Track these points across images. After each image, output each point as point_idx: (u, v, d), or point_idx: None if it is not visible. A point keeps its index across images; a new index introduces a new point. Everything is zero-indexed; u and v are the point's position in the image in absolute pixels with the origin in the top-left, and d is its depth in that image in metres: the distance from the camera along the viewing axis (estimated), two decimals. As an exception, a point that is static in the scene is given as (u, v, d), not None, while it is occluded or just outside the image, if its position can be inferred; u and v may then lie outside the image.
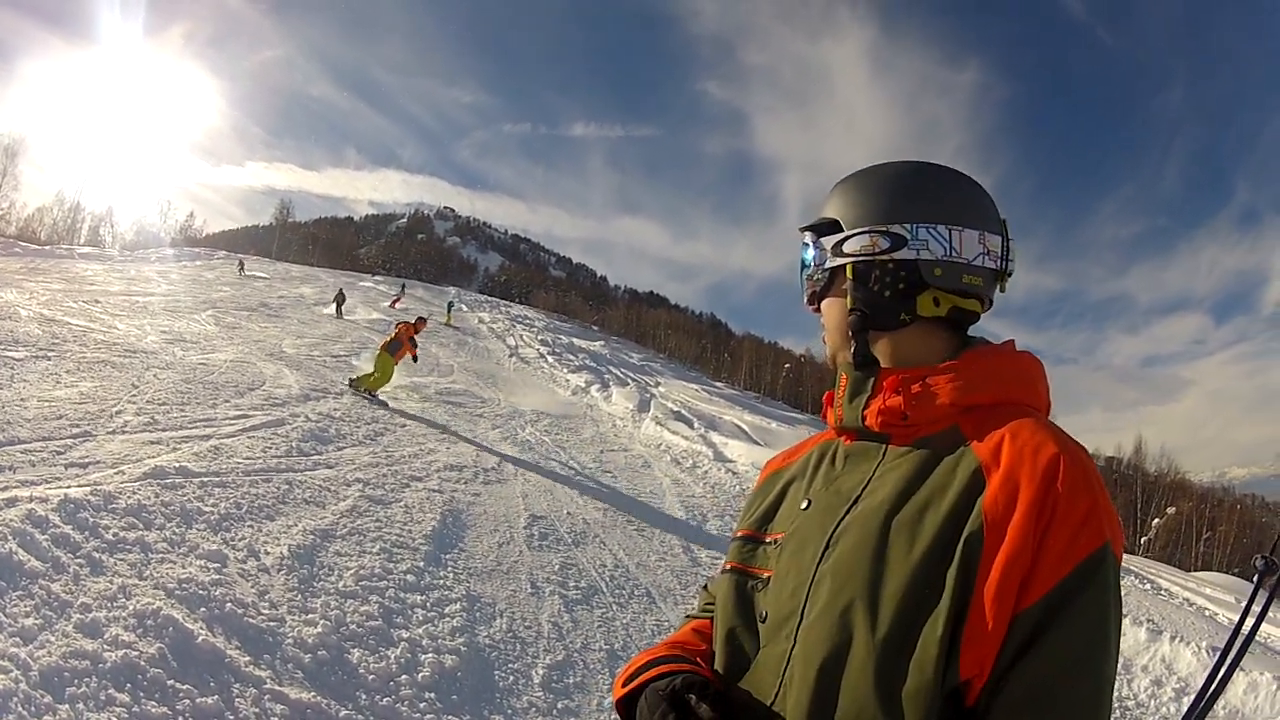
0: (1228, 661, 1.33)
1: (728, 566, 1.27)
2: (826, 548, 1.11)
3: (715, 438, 17.53)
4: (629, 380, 28.88)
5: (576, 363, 31.00)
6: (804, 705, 1.02)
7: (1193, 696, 1.31)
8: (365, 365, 14.66)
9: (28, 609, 3.75)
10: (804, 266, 1.31)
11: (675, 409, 22.21)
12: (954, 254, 1.17)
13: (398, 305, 38.13)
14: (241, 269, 44.88)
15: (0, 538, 4.17)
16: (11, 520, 4.35)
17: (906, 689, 0.96)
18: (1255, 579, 1.43)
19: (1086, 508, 0.96)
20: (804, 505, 1.20)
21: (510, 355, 30.03)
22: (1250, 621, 1.39)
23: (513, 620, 5.65)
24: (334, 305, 31.40)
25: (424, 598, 5.54)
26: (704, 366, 76.74)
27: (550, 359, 30.86)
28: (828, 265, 1.25)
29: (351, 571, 5.52)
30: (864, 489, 1.14)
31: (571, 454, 13.06)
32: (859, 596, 1.02)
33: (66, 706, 3.27)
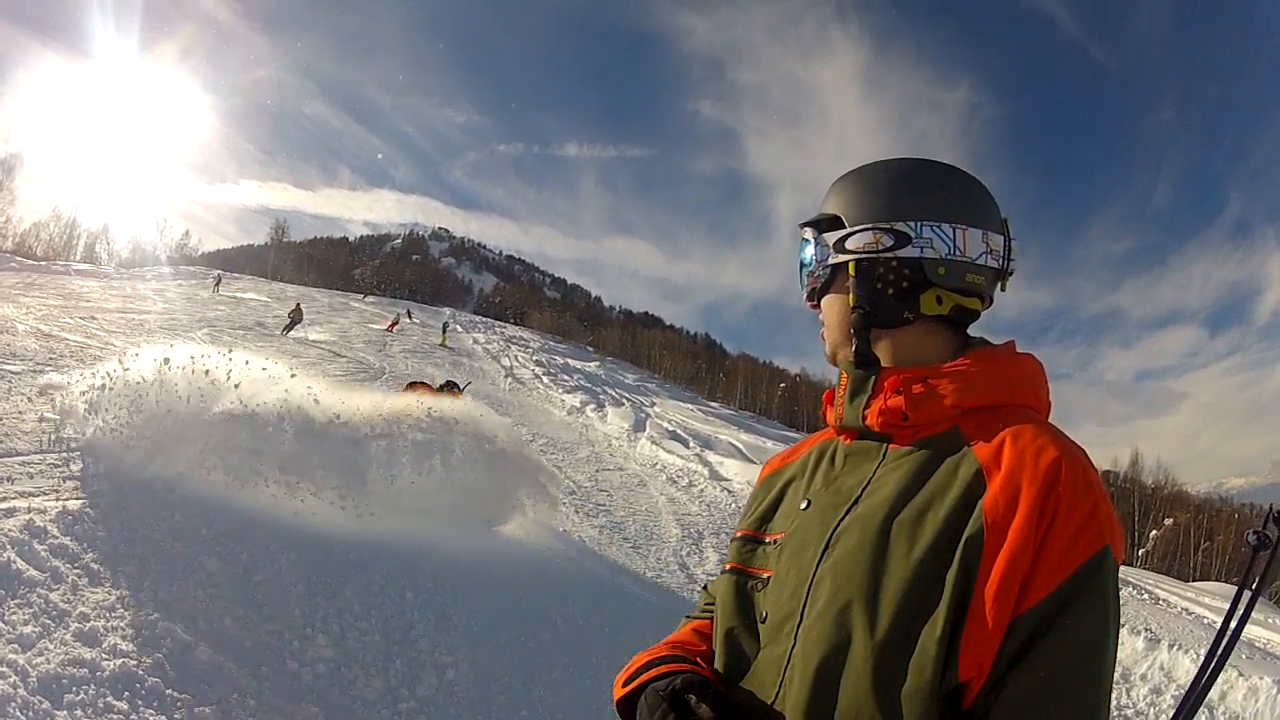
0: (1228, 635, 1.34)
1: (727, 567, 1.27)
2: (826, 548, 1.11)
3: (711, 456, 17.50)
4: (624, 400, 28.82)
5: (572, 383, 30.89)
6: (803, 705, 1.03)
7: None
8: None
9: (26, 617, 3.75)
10: (804, 264, 1.30)
11: (671, 429, 22.17)
12: (958, 253, 1.18)
13: (395, 329, 36.40)
14: (218, 285, 40.03)
15: (-1, 547, 4.16)
16: (10, 530, 4.33)
17: (905, 689, 0.96)
18: (1249, 555, 1.45)
19: (1087, 511, 0.97)
20: (803, 505, 1.20)
21: (505, 376, 29.89)
22: (1246, 603, 1.40)
23: (511, 636, 5.64)
24: (289, 323, 26.89)
25: (422, 615, 5.53)
26: (699, 386, 76.34)
27: (545, 380, 30.75)
28: (830, 262, 1.25)
29: (351, 588, 5.50)
30: (864, 489, 1.14)
31: (567, 473, 12.99)
32: (858, 597, 1.03)
33: (65, 713, 3.27)
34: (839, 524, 1.12)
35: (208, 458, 6.41)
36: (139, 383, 6.76)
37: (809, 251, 1.29)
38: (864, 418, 1.19)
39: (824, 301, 1.28)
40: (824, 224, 1.27)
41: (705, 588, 1.47)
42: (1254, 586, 1.41)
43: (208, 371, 7.15)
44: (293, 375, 8.24)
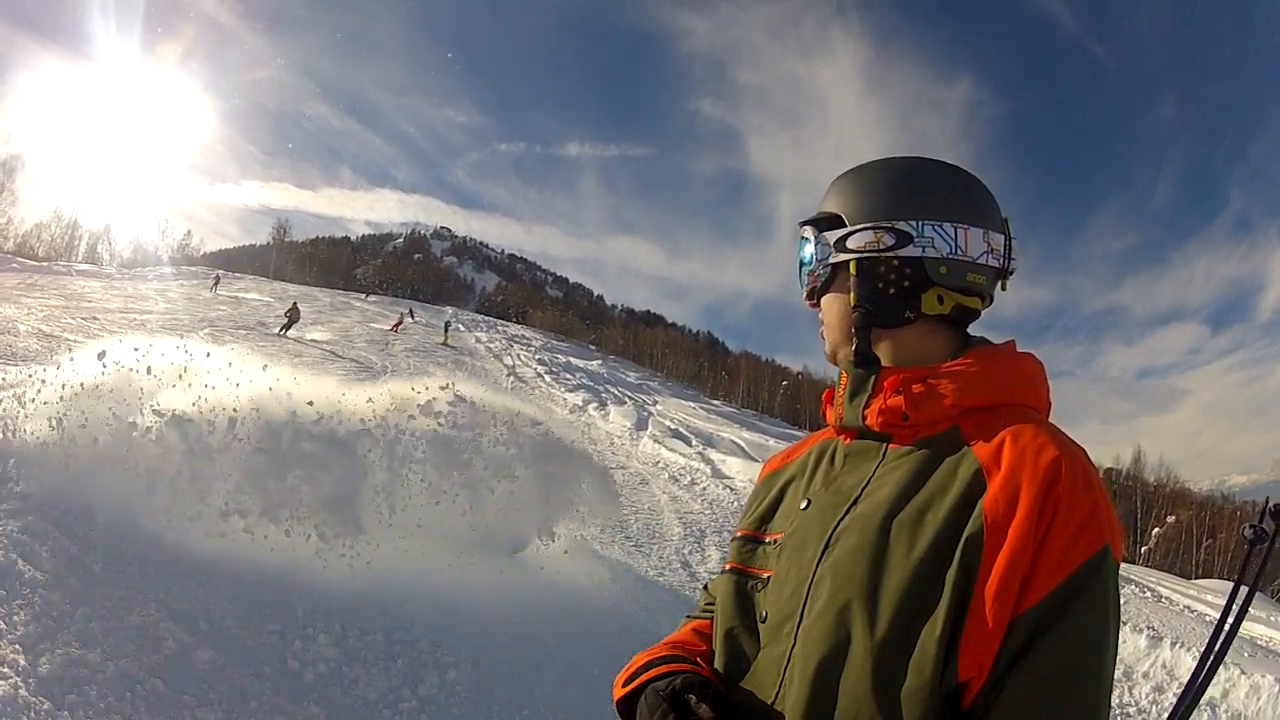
0: (1225, 631, 1.33)
1: (727, 566, 1.27)
2: (826, 547, 1.11)
3: (713, 455, 17.49)
4: (626, 399, 28.80)
5: (574, 382, 30.87)
6: (803, 705, 1.02)
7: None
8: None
9: (28, 618, 3.74)
10: (803, 262, 1.29)
11: (673, 427, 22.15)
12: (959, 252, 1.17)
13: (399, 328, 36.03)
14: (216, 285, 38.84)
15: (1, 549, 4.15)
16: (12, 531, 4.33)
17: (905, 689, 0.96)
18: (1246, 549, 1.44)
19: (1087, 511, 0.97)
20: (803, 505, 1.20)
21: (508, 375, 29.89)
22: (1242, 597, 1.39)
23: (513, 636, 5.63)
24: (285, 322, 26.06)
25: (424, 611, 5.52)
26: (701, 385, 76.18)
27: (548, 378, 30.74)
28: (830, 261, 1.24)
29: (353, 588, 5.49)
30: (864, 489, 1.14)
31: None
32: (858, 596, 1.03)
33: (66, 713, 3.27)
34: (839, 524, 1.12)
35: (136, 493, 5.23)
36: (65, 385, 5.66)
37: (809, 250, 1.28)
38: (864, 417, 1.18)
39: (824, 300, 1.27)
40: (824, 222, 1.26)
41: (705, 587, 1.46)
42: (1252, 582, 1.40)
43: (149, 369, 5.96)
44: (265, 368, 6.67)
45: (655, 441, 18.51)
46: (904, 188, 1.22)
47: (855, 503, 1.13)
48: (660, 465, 15.60)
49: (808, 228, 1.28)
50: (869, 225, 1.20)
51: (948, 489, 1.05)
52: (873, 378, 1.19)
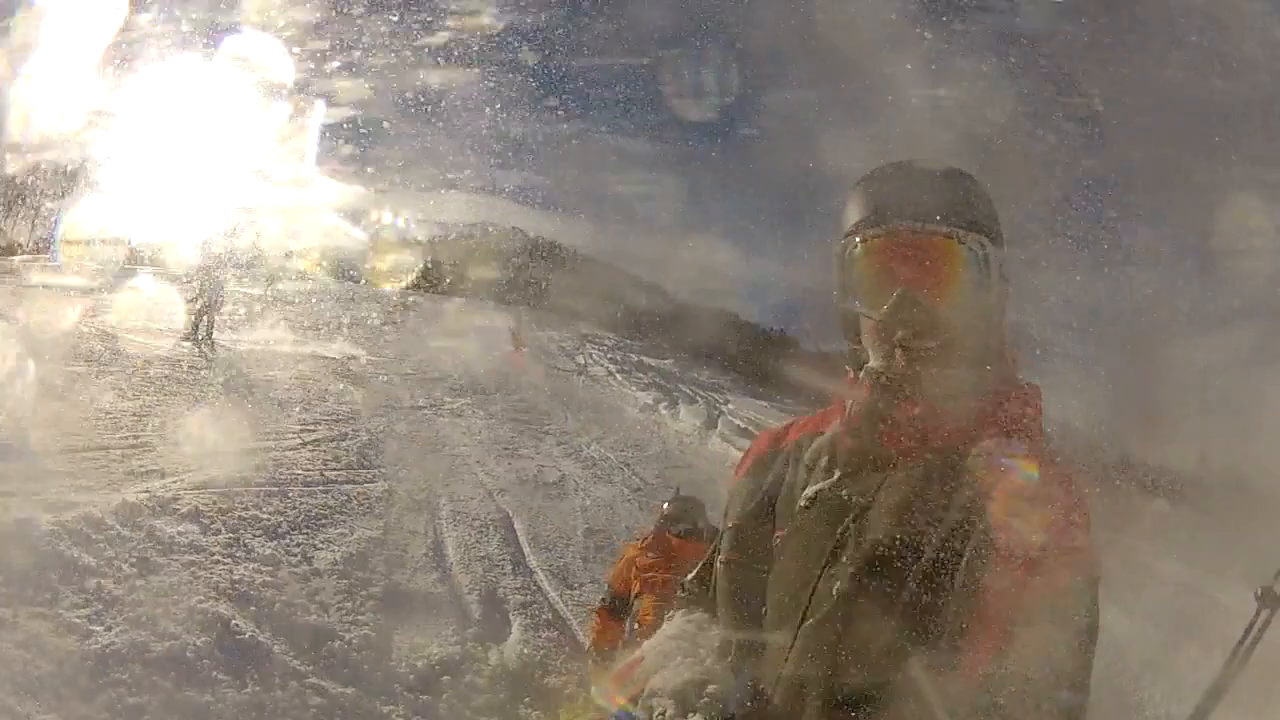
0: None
1: (721, 560, 1.22)
2: (831, 552, 1.08)
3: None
4: (698, 397, 28.73)
5: (645, 380, 30.84)
6: (800, 704, 1.03)
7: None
8: None
9: (80, 600, 3.91)
10: (961, 272, 1.09)
11: (743, 425, 22.01)
12: None
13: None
14: None
15: (56, 537, 4.34)
16: (68, 521, 4.52)
17: (908, 691, 0.96)
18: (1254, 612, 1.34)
19: (1079, 527, 0.99)
20: (804, 504, 1.15)
21: (579, 374, 30.15)
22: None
23: (557, 628, 5.65)
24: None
25: (475, 607, 5.57)
26: (776, 383, 76.03)
27: (619, 376, 30.79)
28: (994, 289, 1.11)
29: (404, 578, 5.57)
30: (869, 497, 1.10)
31: (635, 470, 12.92)
32: (864, 605, 1.02)
33: (109, 690, 3.40)
34: (844, 529, 1.09)
35: None
36: None
37: (976, 266, 1.10)
38: (879, 436, 1.13)
39: (966, 323, 1.11)
40: (996, 236, 1.12)
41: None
42: (1248, 646, 1.32)
43: None
44: None
45: (724, 440, 18.35)
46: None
47: (862, 510, 1.09)
48: (729, 465, 15.44)
49: (982, 237, 1.10)
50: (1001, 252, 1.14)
51: (950, 506, 1.04)
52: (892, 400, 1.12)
